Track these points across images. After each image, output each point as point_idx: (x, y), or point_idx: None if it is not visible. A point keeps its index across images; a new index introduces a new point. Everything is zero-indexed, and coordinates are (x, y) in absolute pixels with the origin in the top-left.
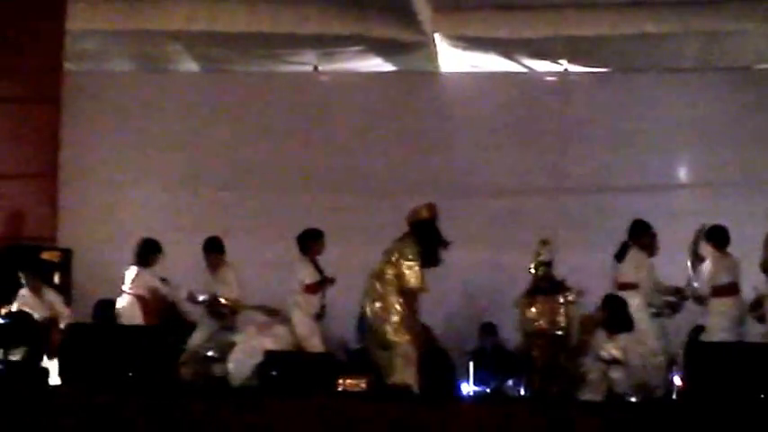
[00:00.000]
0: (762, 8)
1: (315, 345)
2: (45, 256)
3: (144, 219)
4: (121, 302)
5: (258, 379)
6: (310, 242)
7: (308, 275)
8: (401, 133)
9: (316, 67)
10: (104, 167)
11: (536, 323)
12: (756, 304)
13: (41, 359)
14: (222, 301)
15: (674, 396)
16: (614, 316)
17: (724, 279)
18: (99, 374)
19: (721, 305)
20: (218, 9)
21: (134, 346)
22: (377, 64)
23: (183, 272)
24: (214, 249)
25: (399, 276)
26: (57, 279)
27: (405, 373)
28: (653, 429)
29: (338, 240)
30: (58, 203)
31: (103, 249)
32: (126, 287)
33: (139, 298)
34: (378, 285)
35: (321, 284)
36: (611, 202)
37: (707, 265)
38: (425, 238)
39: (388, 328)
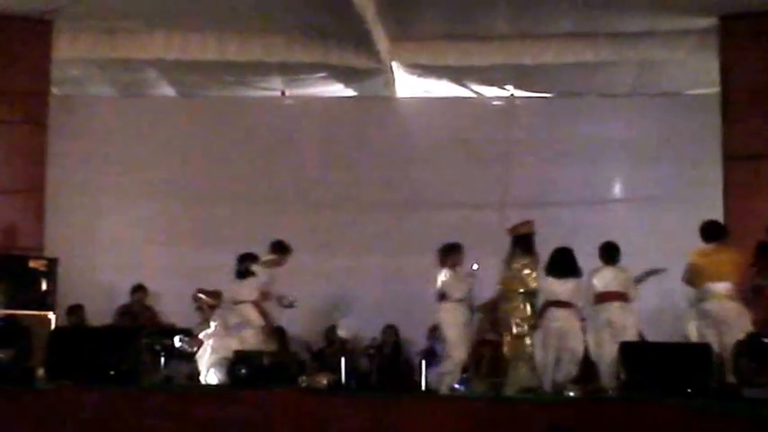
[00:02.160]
0: (691, 39)
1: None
2: (33, 264)
3: (123, 231)
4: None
5: (228, 376)
6: (452, 254)
7: (458, 288)
8: (361, 153)
9: (283, 92)
10: (87, 184)
11: (490, 332)
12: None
13: (29, 359)
14: (202, 296)
15: (610, 392)
16: (561, 262)
17: (612, 287)
18: (81, 373)
19: (602, 310)
20: (191, 39)
21: (112, 346)
22: (338, 89)
23: (160, 279)
24: (274, 251)
25: (523, 284)
26: (44, 286)
27: None
28: (593, 422)
29: (303, 250)
30: (44, 217)
31: (86, 259)
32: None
33: (255, 304)
34: (517, 304)
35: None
36: (553, 215)
37: (598, 275)
38: (527, 248)
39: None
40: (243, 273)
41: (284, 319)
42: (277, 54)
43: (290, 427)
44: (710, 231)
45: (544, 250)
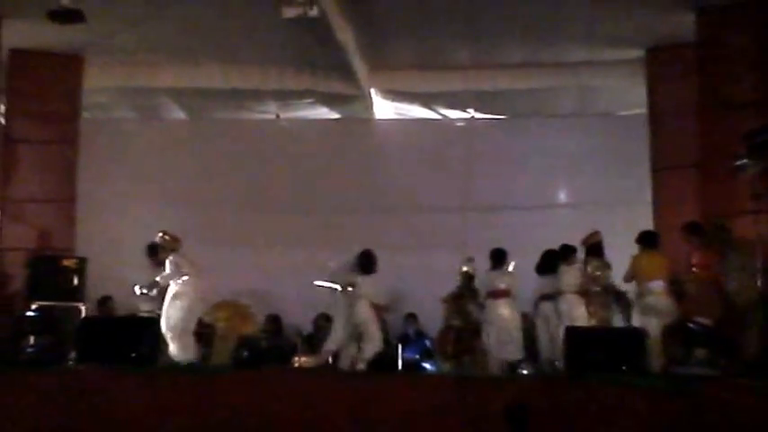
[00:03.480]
0: (622, 68)
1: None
2: (65, 263)
3: (142, 233)
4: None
5: (232, 358)
6: (507, 258)
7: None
8: (343, 166)
9: (277, 115)
10: (112, 194)
11: (455, 318)
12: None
13: (62, 344)
14: (166, 237)
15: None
16: (544, 263)
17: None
18: (107, 355)
19: (564, 301)
20: (198, 70)
21: (132, 333)
22: (325, 112)
23: None
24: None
25: (597, 282)
26: (75, 281)
27: None
28: (544, 395)
29: (295, 247)
30: (75, 222)
31: (111, 258)
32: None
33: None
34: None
35: None
36: (507, 218)
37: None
38: (597, 254)
39: None
40: (367, 270)
41: (280, 308)
42: (272, 83)
43: (284, 401)
44: (647, 240)
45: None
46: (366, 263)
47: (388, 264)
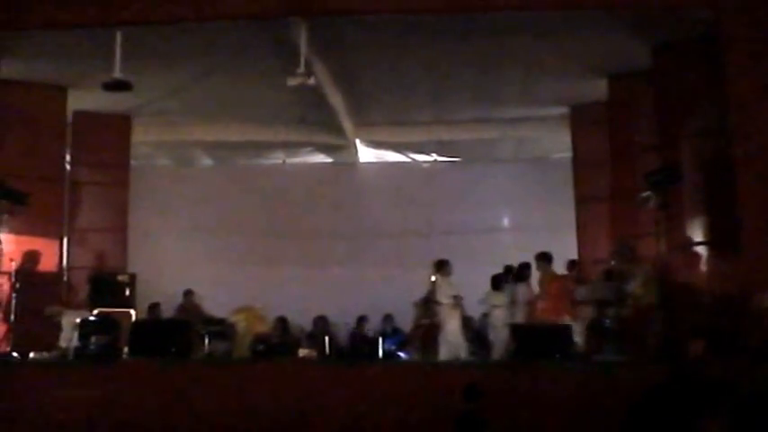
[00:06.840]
0: (551, 122)
1: None
2: (119, 278)
3: (177, 255)
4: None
5: (250, 351)
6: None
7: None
8: (335, 199)
9: (284, 161)
10: (155, 224)
11: (424, 318)
12: None
13: (118, 342)
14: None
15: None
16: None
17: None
18: (153, 350)
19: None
20: (222, 127)
21: (172, 332)
22: (321, 158)
23: (203, 286)
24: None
25: None
26: (127, 292)
27: None
28: (492, 378)
29: (296, 266)
30: (127, 246)
31: (154, 274)
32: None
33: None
34: None
35: None
36: (462, 240)
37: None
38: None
39: None
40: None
41: (287, 311)
42: (280, 136)
43: (291, 385)
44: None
45: (459, 264)
46: (520, 274)
47: (371, 276)
